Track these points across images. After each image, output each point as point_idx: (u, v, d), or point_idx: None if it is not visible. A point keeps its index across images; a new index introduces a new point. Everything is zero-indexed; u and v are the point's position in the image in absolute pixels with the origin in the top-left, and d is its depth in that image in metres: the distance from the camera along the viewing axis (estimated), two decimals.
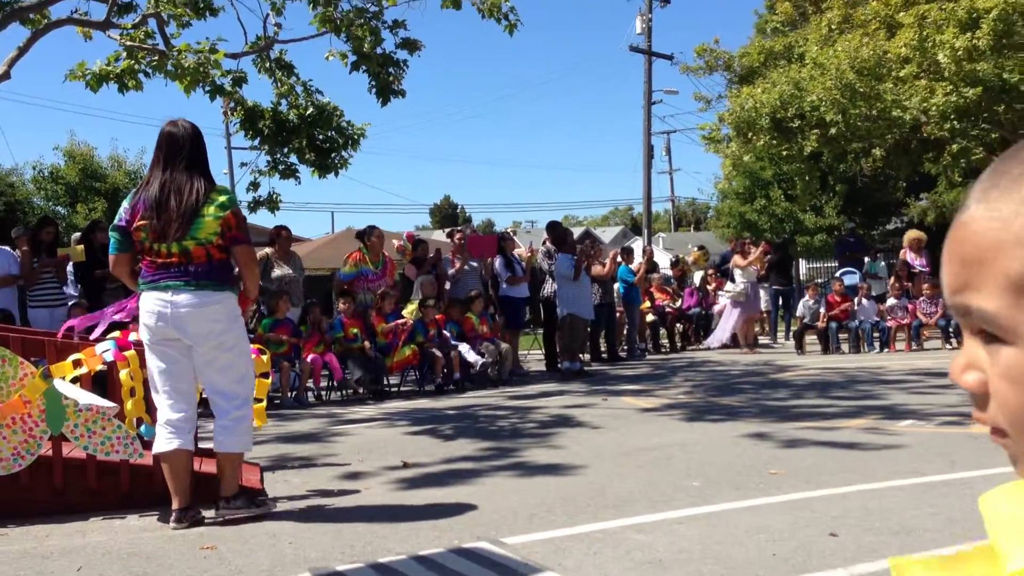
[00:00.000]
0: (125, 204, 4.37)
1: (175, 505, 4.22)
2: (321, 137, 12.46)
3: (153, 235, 4.20)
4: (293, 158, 12.43)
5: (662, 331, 14.97)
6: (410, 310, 10.42)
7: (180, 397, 4.30)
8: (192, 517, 4.22)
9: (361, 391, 9.76)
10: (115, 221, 4.38)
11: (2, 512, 4.39)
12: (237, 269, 4.48)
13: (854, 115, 15.85)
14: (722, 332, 14.09)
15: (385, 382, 10.07)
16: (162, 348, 4.26)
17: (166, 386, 4.28)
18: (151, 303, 4.20)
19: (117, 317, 4.72)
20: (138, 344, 4.77)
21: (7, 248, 9.15)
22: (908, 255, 14.54)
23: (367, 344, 9.76)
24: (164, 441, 4.23)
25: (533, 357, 13.33)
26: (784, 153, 18.15)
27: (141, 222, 4.23)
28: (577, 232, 16.94)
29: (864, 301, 13.52)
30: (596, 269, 12.23)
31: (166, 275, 4.21)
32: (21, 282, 9.13)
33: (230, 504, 4.30)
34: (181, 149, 4.31)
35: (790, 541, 3.63)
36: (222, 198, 4.27)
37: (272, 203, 12.40)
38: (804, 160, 18.31)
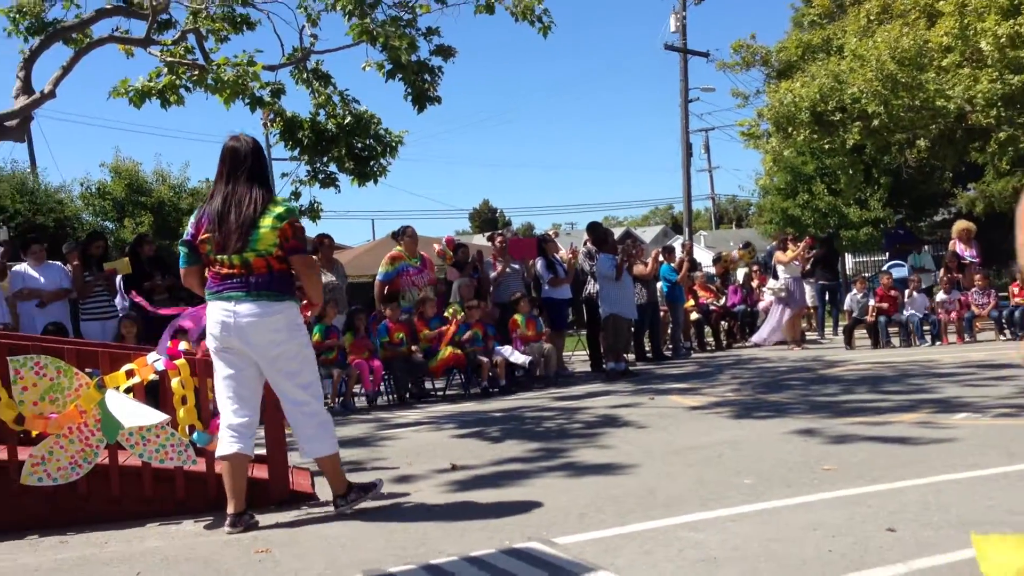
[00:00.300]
0: (192, 218, 4.51)
1: (230, 509, 4.29)
2: (360, 145, 12.55)
3: (216, 247, 4.32)
4: (333, 167, 12.54)
5: (707, 329, 14.86)
6: (451, 313, 10.45)
7: (243, 403, 4.39)
8: (246, 522, 4.29)
9: (408, 396, 9.81)
10: (184, 235, 4.52)
11: (62, 520, 4.48)
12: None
13: (897, 106, 15.62)
14: (768, 329, 13.95)
15: (431, 386, 10.11)
16: (226, 356, 4.36)
17: (229, 392, 4.39)
18: (216, 313, 4.33)
19: (187, 325, 4.81)
20: (188, 353, 4.84)
21: (59, 263, 9.33)
22: (957, 246, 14.29)
23: (413, 348, 9.82)
24: (226, 444, 4.34)
25: (577, 358, 13.30)
26: (826, 147, 17.94)
27: (205, 235, 4.36)
28: (617, 232, 16.87)
29: (914, 294, 13.31)
30: (638, 269, 12.17)
31: (228, 286, 4.31)
32: (73, 295, 9.31)
33: (347, 500, 4.49)
34: (242, 163, 4.42)
35: (846, 537, 3.58)
36: (279, 209, 4.34)
37: (313, 212, 12.52)
38: (847, 153, 18.08)
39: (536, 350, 10.45)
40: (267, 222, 4.28)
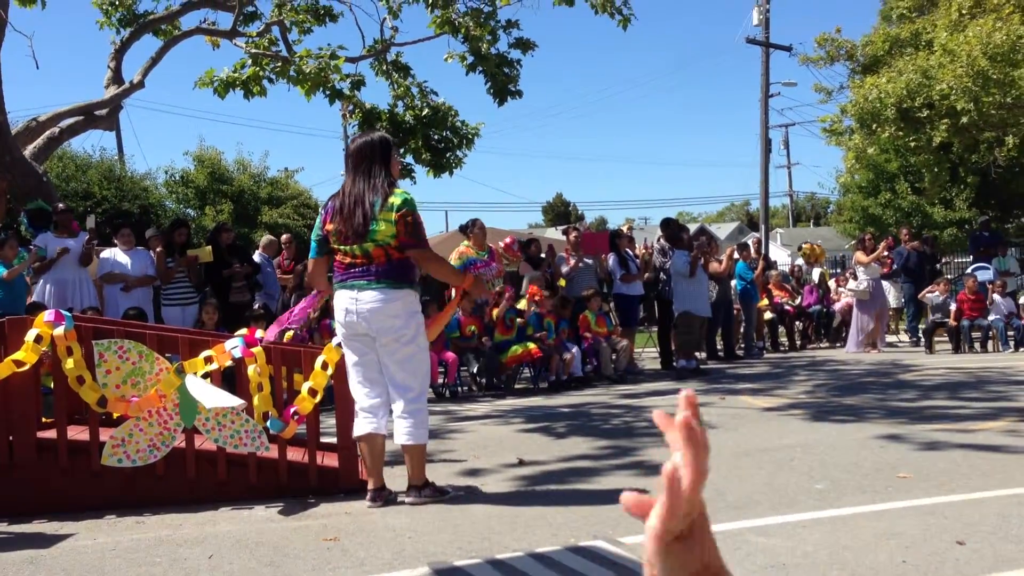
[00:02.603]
0: (321, 211, 4.78)
1: (370, 486, 4.57)
2: (436, 137, 12.65)
3: (339, 238, 4.56)
4: (409, 158, 12.66)
5: (780, 329, 14.60)
6: (522, 306, 10.45)
7: (372, 386, 4.62)
8: (384, 497, 4.55)
9: (474, 388, 9.87)
10: (315, 228, 4.80)
11: (138, 501, 4.61)
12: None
13: (987, 103, 15.12)
14: (856, 336, 13.54)
15: (500, 380, 10.15)
16: (354, 343, 4.60)
17: (359, 377, 4.63)
18: (342, 301, 4.56)
19: (294, 324, 5.24)
20: (263, 341, 4.94)
21: (146, 250, 9.59)
22: None
23: (484, 340, 9.87)
24: (362, 425, 4.60)
25: (648, 355, 13.20)
26: (911, 144, 17.48)
27: (330, 227, 4.61)
28: (692, 229, 16.67)
29: (997, 298, 12.88)
30: (713, 266, 12.02)
31: (352, 275, 4.56)
32: (157, 282, 9.56)
33: (421, 493, 4.59)
34: (367, 158, 4.62)
35: (921, 548, 3.48)
36: (396, 202, 4.49)
37: None
38: (933, 151, 17.60)
39: (607, 350, 10.40)
40: (385, 215, 4.46)
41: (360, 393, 4.63)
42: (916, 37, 18.86)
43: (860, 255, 13.42)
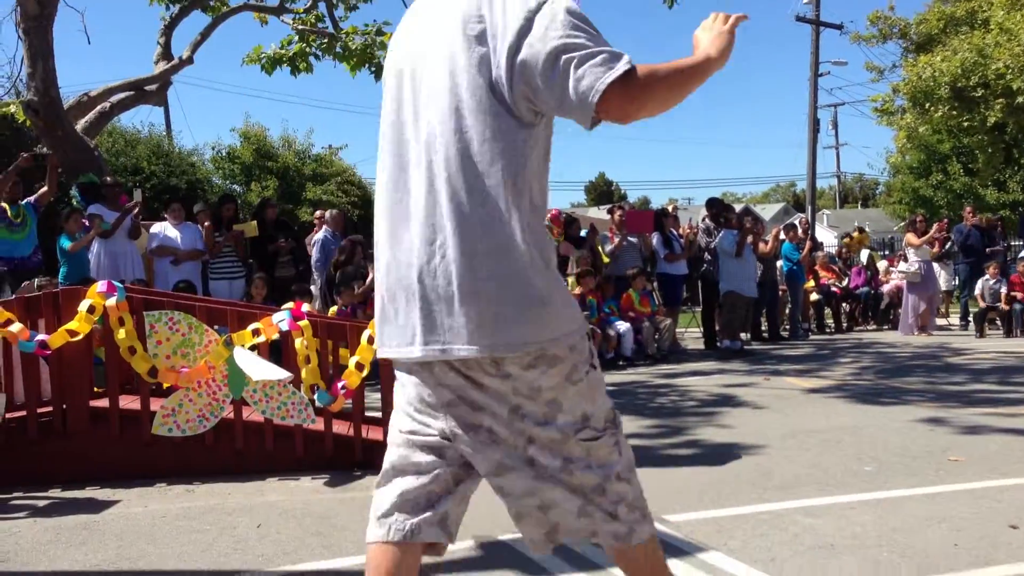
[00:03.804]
0: None
1: None
2: None
3: None
4: None
5: (827, 311, 14.41)
6: (569, 284, 10.43)
7: None
8: None
9: None
10: None
11: (188, 470, 4.69)
12: None
13: None
14: (907, 318, 13.32)
15: None
16: None
17: None
18: None
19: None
20: (311, 315, 4.98)
21: (196, 225, 9.70)
22: None
23: None
24: None
25: (691, 335, 13.12)
26: (965, 124, 17.10)
27: None
28: (737, 209, 16.47)
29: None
30: (759, 246, 11.89)
31: None
32: (206, 257, 9.68)
33: None
34: None
35: (973, 531, 3.42)
36: None
37: None
38: (987, 132, 17.20)
39: (650, 329, 10.34)
40: None
41: None
42: (972, 15, 18.41)
43: (911, 237, 13.18)
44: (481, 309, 1.77)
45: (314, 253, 10.75)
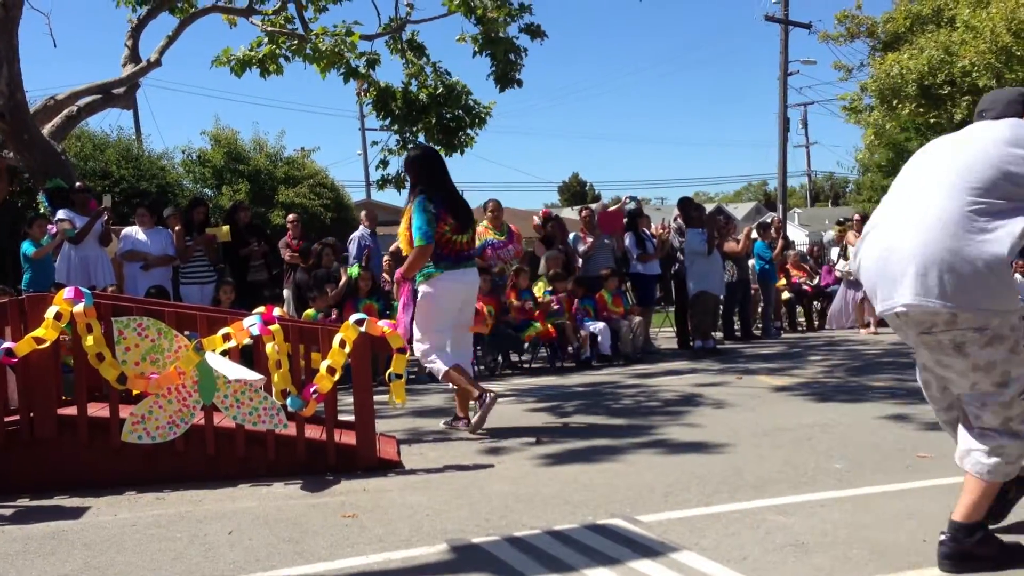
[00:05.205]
0: (432, 209, 5.70)
1: (476, 395, 5.81)
2: (448, 116, 12.61)
3: (454, 230, 5.75)
4: (421, 137, 12.63)
5: (799, 309, 14.53)
6: (539, 287, 10.42)
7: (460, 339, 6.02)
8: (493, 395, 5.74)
9: (492, 366, 9.86)
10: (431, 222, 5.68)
11: (159, 477, 4.64)
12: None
13: (1010, 80, 14.94)
14: (837, 311, 13.63)
15: (516, 358, 10.14)
16: (456, 313, 5.92)
17: (447, 329, 5.89)
18: (461, 276, 5.84)
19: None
20: (282, 319, 4.95)
21: (167, 230, 9.61)
22: None
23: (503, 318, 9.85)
24: (449, 360, 5.81)
25: (664, 335, 13.17)
26: (932, 122, 17.28)
27: (452, 221, 5.72)
28: (709, 208, 16.56)
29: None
30: (729, 246, 11.96)
31: (465, 256, 5.88)
32: (177, 262, 9.59)
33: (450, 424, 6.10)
34: (443, 164, 6.01)
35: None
36: None
37: (399, 181, 12.64)
38: (954, 128, 17.31)
39: (624, 328, 10.37)
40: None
41: (448, 340, 5.90)
42: (938, 13, 18.62)
43: (851, 236, 13.35)
44: None
45: (352, 249, 11.30)
